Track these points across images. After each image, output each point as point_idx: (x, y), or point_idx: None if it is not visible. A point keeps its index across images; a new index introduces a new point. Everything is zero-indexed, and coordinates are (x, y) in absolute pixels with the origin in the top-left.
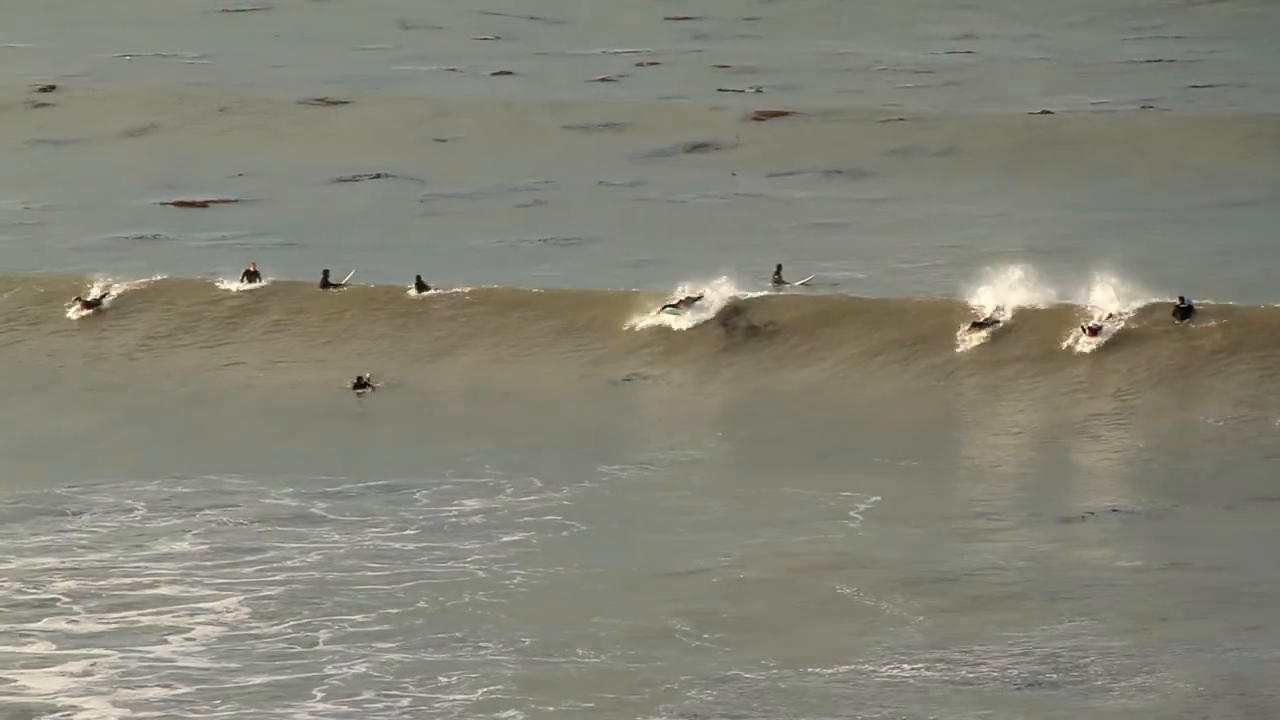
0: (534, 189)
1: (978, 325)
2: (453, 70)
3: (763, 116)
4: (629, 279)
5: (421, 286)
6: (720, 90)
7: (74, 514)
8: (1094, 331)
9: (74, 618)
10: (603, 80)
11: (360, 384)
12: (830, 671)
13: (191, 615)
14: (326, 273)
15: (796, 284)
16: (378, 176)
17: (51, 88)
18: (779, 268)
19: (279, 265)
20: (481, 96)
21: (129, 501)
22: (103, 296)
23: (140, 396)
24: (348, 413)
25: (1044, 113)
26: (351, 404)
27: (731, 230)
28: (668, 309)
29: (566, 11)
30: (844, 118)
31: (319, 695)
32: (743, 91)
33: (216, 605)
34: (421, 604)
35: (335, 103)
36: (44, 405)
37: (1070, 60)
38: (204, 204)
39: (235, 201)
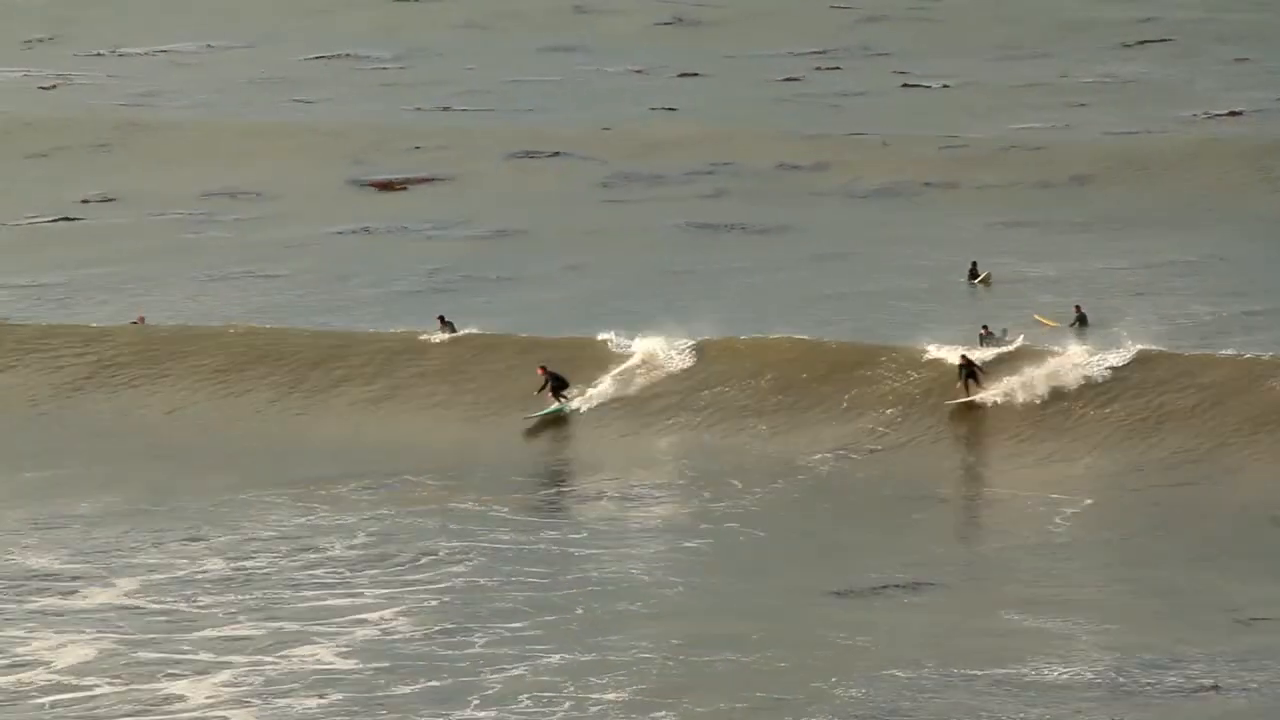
0: None
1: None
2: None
3: None
4: None
5: None
6: None
7: (239, 523)
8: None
9: (234, 624)
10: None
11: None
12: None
13: (347, 622)
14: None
15: None
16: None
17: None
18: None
19: None
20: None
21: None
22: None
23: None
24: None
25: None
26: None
27: None
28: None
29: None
30: None
31: (475, 702)
32: None
33: (372, 614)
34: (578, 609)
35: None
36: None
37: None
38: None
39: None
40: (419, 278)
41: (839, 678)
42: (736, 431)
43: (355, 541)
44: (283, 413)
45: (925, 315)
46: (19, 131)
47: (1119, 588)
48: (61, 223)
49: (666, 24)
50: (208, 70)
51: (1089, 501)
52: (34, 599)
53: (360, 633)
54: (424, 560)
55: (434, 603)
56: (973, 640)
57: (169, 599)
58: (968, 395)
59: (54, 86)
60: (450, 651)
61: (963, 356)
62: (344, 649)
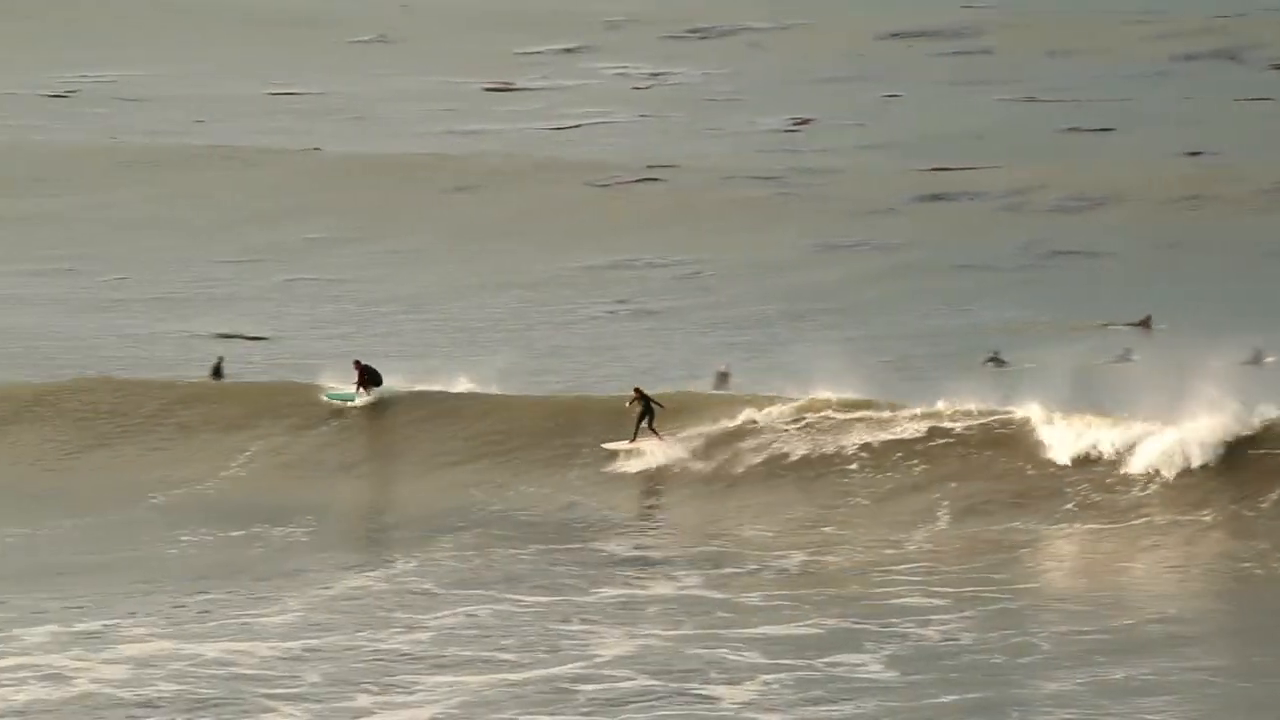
0: None
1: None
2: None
3: None
4: None
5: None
6: None
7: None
8: None
9: (785, 623)
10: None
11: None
12: None
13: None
14: None
15: None
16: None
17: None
18: None
19: None
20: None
21: None
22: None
23: None
24: None
25: None
26: None
27: None
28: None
29: None
30: None
31: (1015, 716)
32: None
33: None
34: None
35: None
36: None
37: None
38: None
39: None
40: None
41: None
42: None
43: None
44: None
45: None
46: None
47: None
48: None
49: None
50: None
51: None
52: (602, 589)
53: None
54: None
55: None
56: None
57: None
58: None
59: None
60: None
61: (637, 390)
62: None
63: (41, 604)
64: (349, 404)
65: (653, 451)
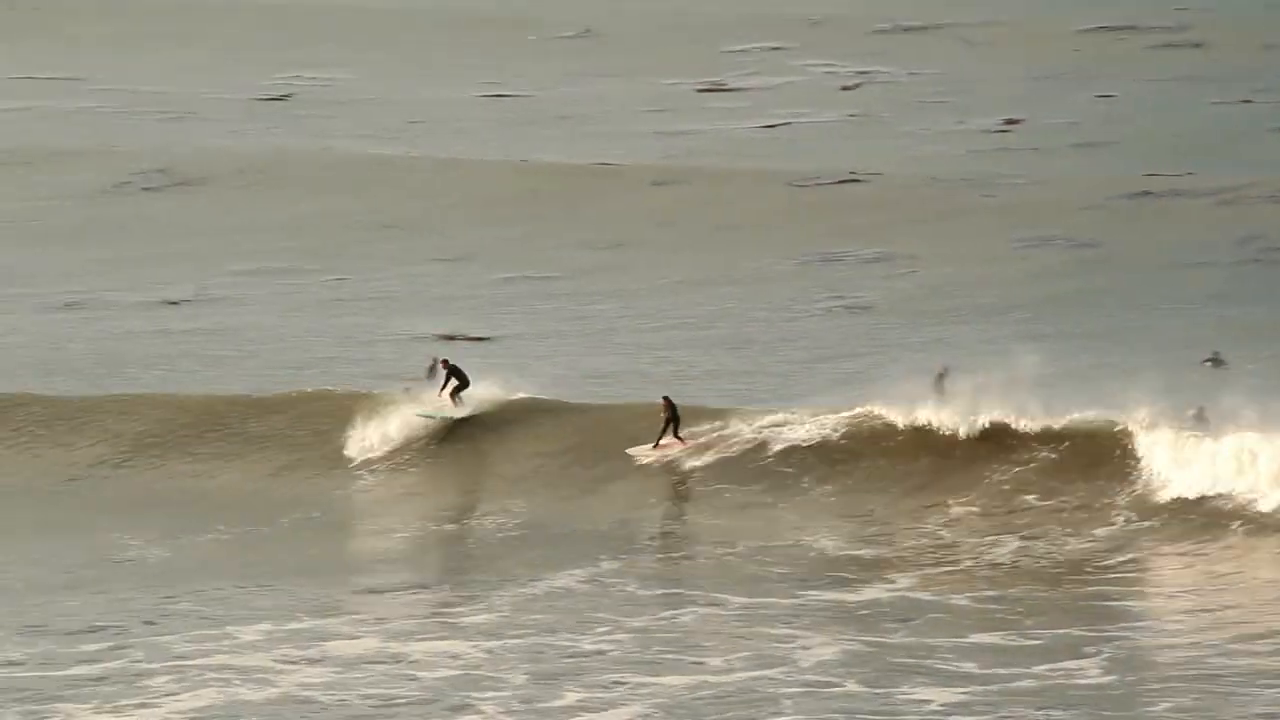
0: None
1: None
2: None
3: None
4: None
5: None
6: None
7: None
8: None
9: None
10: None
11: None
12: None
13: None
14: None
15: None
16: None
17: None
18: None
19: None
20: None
21: None
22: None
23: None
24: None
25: None
26: None
27: None
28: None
29: None
30: None
31: None
32: None
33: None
34: None
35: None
36: None
37: None
38: None
39: None
40: None
41: None
42: None
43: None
44: None
45: None
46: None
47: None
48: None
49: None
50: None
51: None
52: (809, 591)
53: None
54: None
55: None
56: None
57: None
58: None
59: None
60: None
61: (665, 399)
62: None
63: (255, 600)
64: (443, 418)
65: (677, 452)
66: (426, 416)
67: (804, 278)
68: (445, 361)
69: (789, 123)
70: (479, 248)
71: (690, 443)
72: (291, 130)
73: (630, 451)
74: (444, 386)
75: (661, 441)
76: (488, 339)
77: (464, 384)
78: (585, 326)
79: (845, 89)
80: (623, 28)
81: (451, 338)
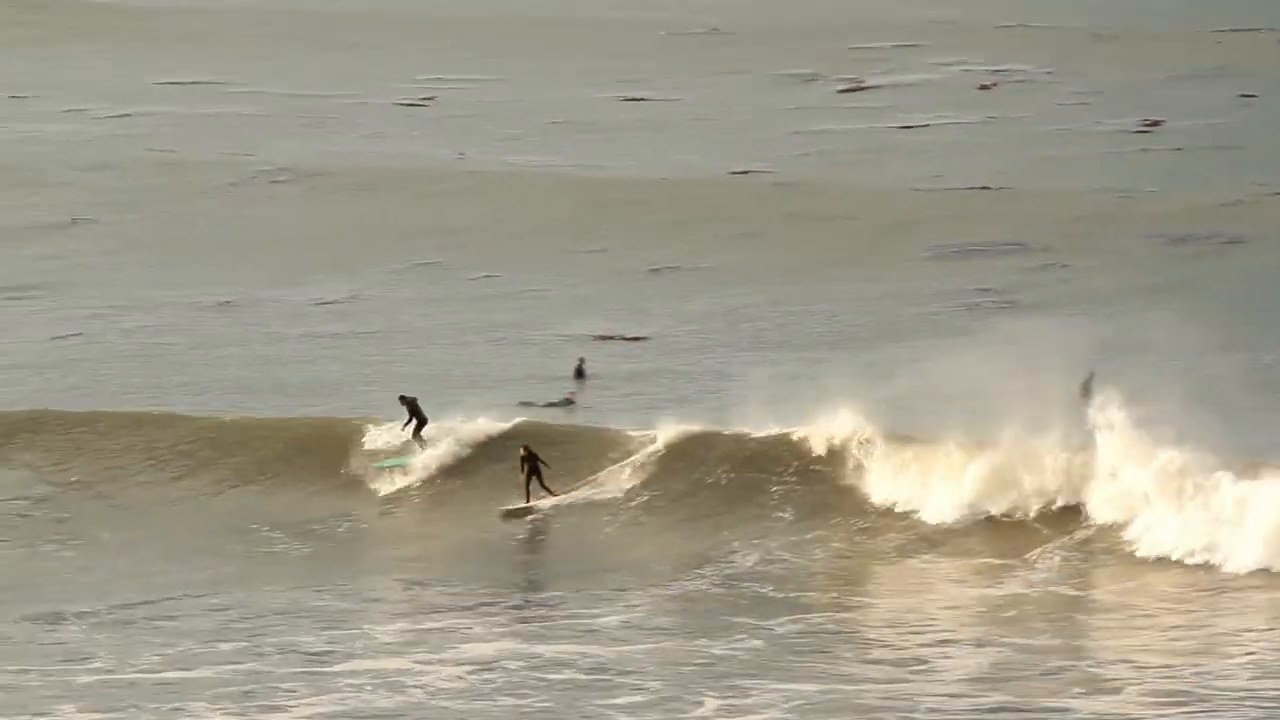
0: None
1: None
2: None
3: None
4: None
5: None
6: None
7: None
8: None
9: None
10: None
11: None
12: None
13: None
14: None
15: None
16: None
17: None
18: None
19: None
20: None
21: None
22: None
23: None
24: None
25: None
26: None
27: None
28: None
29: None
30: None
31: None
32: None
33: None
34: None
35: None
36: None
37: None
38: None
39: None
40: None
41: None
42: None
43: None
44: None
45: None
46: None
47: None
48: None
49: None
50: None
51: None
52: (950, 592)
53: None
54: None
55: None
56: None
57: None
58: (528, 499)
59: None
60: None
61: (525, 449)
62: None
63: (390, 596)
64: (402, 469)
65: (552, 503)
66: (391, 468)
67: (947, 279)
68: (403, 398)
69: (930, 124)
70: (624, 247)
71: (560, 495)
72: (435, 134)
73: (504, 509)
74: (405, 424)
75: (532, 498)
76: (645, 339)
77: (423, 422)
78: (733, 328)
79: (984, 88)
80: (747, 21)
81: (608, 338)
